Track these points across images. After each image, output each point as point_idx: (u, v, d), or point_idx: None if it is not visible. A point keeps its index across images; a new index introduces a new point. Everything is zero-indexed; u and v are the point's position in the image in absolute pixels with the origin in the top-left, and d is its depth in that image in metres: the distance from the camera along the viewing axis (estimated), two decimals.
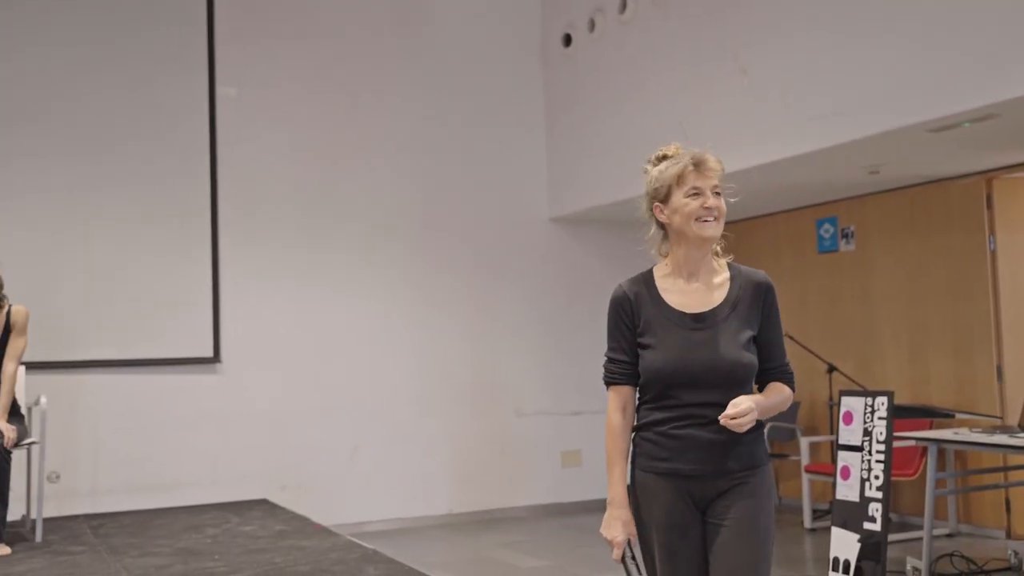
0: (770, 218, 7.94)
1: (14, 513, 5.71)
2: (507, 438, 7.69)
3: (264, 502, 6.56)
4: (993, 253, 6.39)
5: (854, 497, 4.64)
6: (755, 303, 2.54)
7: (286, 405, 7.00)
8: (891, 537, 5.47)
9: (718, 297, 2.54)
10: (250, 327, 6.94)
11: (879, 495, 4.55)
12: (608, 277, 8.17)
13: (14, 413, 5.34)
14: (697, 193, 2.52)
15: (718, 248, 2.61)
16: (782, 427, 7.28)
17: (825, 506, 6.84)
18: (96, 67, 6.64)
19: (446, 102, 7.66)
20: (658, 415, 2.51)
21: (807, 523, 6.73)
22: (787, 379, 2.57)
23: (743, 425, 2.38)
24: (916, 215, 6.82)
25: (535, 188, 7.94)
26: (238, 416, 6.85)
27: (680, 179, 2.54)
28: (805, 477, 6.80)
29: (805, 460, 6.85)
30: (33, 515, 5.57)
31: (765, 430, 2.58)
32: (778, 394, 2.53)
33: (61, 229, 6.51)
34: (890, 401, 4.64)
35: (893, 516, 6.80)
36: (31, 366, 6.02)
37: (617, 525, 2.52)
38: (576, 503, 7.87)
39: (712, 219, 2.52)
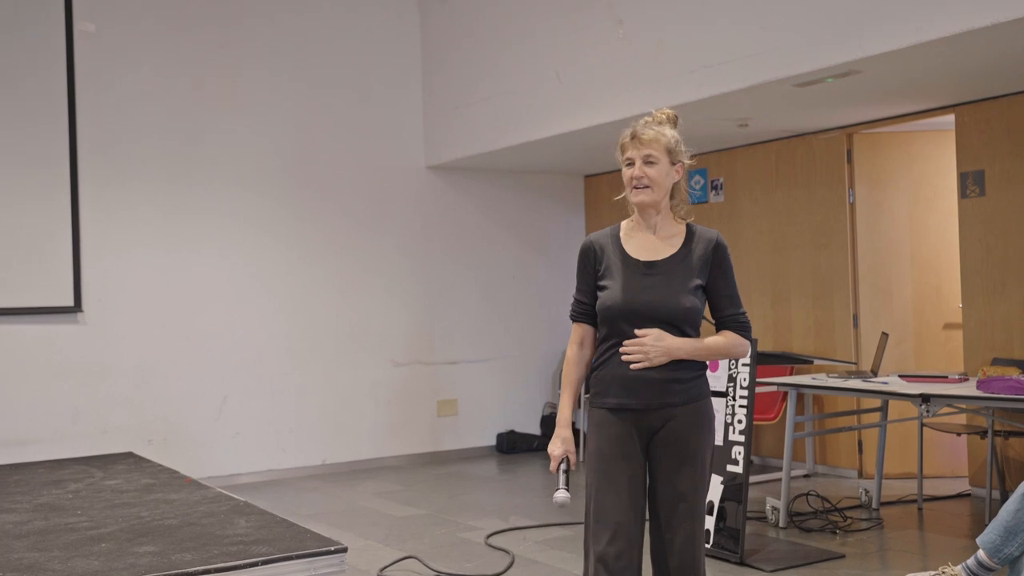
0: None
1: None
2: (382, 388, 7.67)
3: (130, 455, 6.38)
4: (852, 206, 6.66)
5: (718, 441, 4.80)
6: (705, 257, 2.80)
7: (152, 357, 6.80)
8: (752, 478, 5.71)
9: (670, 250, 2.82)
10: (113, 276, 6.70)
11: (742, 439, 4.72)
12: (485, 226, 8.20)
13: None
14: (630, 162, 2.82)
15: (683, 211, 2.89)
16: None
17: None
18: None
19: (320, 48, 7.47)
20: (611, 354, 2.80)
21: None
22: (737, 327, 2.84)
23: (635, 356, 2.70)
24: (781, 168, 7.04)
25: (412, 136, 7.86)
26: (101, 368, 6.63)
27: (621, 149, 2.86)
28: None
29: None
30: None
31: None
32: (723, 340, 2.81)
33: None
34: (754, 348, 4.79)
35: (754, 458, 7.09)
36: None
37: (557, 442, 2.83)
38: (452, 451, 7.93)
39: (642, 187, 2.80)
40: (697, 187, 7.62)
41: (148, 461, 6.17)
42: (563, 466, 2.81)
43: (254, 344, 7.17)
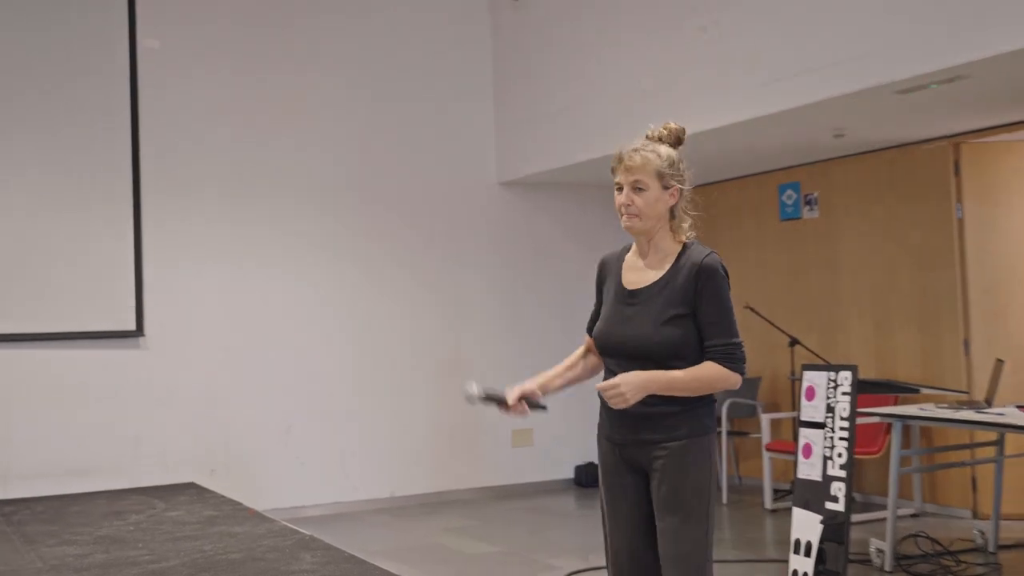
0: (730, 183, 7.97)
1: None
2: (453, 417, 7.67)
3: (192, 486, 6.49)
4: (960, 221, 6.49)
5: (816, 476, 4.70)
6: (688, 283, 2.77)
7: (215, 383, 6.91)
8: (854, 517, 5.55)
9: (654, 276, 2.82)
10: (176, 299, 6.83)
11: (842, 474, 4.62)
12: (562, 244, 8.17)
13: None
14: (619, 188, 2.85)
15: (685, 227, 2.87)
16: (742, 403, 7.36)
17: (786, 486, 6.93)
18: (2, 13, 6.44)
19: (388, 60, 7.56)
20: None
21: (767, 504, 6.83)
22: (722, 358, 2.75)
23: (612, 400, 2.70)
24: (882, 181, 6.90)
25: (484, 151, 7.89)
26: (163, 394, 6.76)
27: (612, 172, 2.89)
28: (766, 456, 6.88)
29: (766, 438, 6.94)
30: None
31: (718, 404, 2.78)
32: (701, 372, 2.74)
33: None
34: (854, 376, 4.69)
35: (857, 496, 6.92)
36: None
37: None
38: (527, 484, 7.90)
39: (631, 215, 2.82)
40: (790, 202, 7.51)
41: (210, 492, 6.26)
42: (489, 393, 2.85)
43: (319, 368, 7.24)
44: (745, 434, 7.58)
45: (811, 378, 4.87)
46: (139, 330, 6.69)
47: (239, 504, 5.83)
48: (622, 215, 2.84)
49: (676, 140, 2.88)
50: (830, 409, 4.73)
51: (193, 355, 6.86)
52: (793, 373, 7.06)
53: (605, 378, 2.87)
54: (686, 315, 2.75)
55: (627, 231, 2.86)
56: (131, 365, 6.70)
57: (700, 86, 5.96)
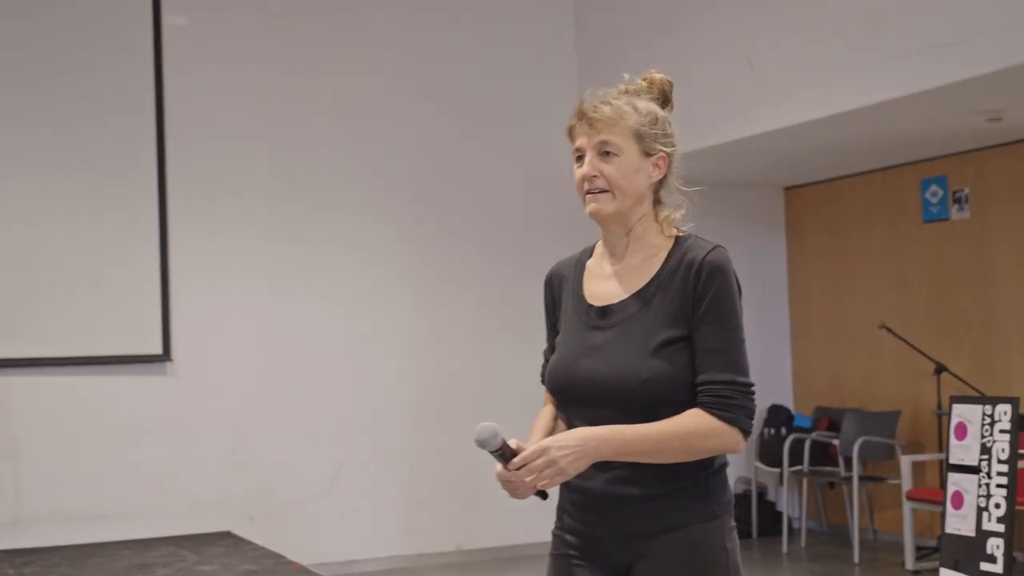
0: (861, 179, 7.88)
1: None
2: None
3: (227, 535, 6.57)
4: None
5: (969, 531, 4.65)
6: (686, 290, 2.29)
7: (254, 415, 6.99)
8: None
9: (636, 284, 2.35)
10: (208, 319, 6.93)
11: (1000, 528, 4.56)
12: None
13: None
14: (580, 155, 2.42)
15: (673, 215, 2.43)
16: (877, 443, 7.24)
17: (932, 543, 6.84)
18: None
19: (456, 38, 7.61)
20: None
21: (909, 564, 6.72)
22: (714, 402, 2.24)
23: (541, 476, 2.20)
24: None
25: (565, 145, 7.85)
26: (194, 428, 6.86)
27: (569, 135, 2.46)
28: (906, 506, 6.78)
29: (907, 484, 6.84)
30: None
31: (728, 468, 2.41)
32: (677, 427, 2.23)
33: None
34: (1015, 410, 4.65)
35: (1018, 555, 6.76)
36: None
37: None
38: None
39: (596, 191, 2.36)
40: (934, 200, 7.39)
41: (248, 543, 6.32)
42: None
43: (374, 401, 7.28)
44: (881, 480, 7.47)
45: (962, 413, 4.81)
46: (166, 354, 6.80)
47: (281, 557, 5.88)
48: (585, 195, 2.37)
49: (662, 96, 2.49)
50: (985, 450, 4.67)
51: (228, 383, 6.95)
52: (940, 407, 6.94)
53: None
54: (685, 337, 2.27)
55: (593, 217, 2.37)
56: (157, 394, 6.81)
57: (821, 61, 5.92)
